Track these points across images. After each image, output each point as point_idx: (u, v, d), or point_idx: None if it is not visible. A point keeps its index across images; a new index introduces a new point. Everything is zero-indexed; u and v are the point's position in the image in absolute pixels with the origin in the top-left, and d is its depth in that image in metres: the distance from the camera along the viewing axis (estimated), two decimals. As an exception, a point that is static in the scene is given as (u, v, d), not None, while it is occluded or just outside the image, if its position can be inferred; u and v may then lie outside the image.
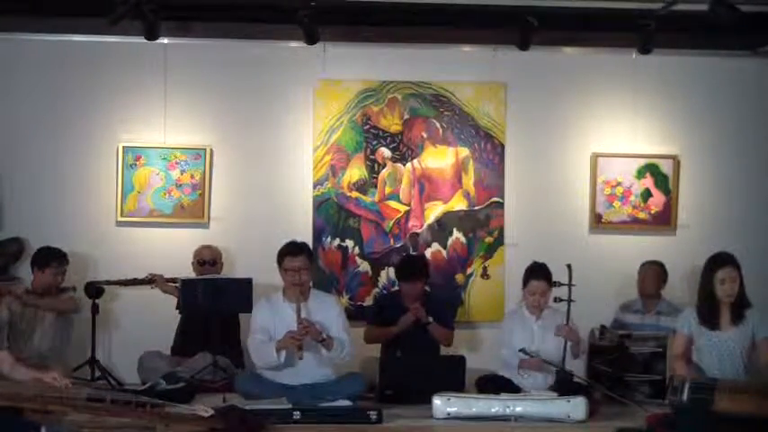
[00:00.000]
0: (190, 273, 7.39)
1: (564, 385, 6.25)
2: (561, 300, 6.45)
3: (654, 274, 7.41)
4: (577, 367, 6.76)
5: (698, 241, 7.63)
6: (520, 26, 7.31)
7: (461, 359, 6.76)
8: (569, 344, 6.44)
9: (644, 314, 7.33)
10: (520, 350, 6.44)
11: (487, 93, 7.86)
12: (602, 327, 7.30)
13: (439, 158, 7.85)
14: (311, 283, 6.60)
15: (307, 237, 7.47)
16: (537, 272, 6.63)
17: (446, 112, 7.85)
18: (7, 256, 7.50)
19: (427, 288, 7.19)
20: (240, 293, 6.95)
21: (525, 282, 6.67)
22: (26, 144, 7.70)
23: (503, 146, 7.85)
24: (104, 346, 7.56)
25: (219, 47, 7.84)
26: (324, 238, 7.76)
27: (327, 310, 6.43)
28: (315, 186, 7.77)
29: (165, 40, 7.62)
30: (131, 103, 7.75)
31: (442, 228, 7.83)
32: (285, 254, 6.40)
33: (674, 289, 7.59)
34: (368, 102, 7.83)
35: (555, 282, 6.49)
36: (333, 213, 7.78)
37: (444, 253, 7.81)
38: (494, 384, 6.40)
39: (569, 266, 6.41)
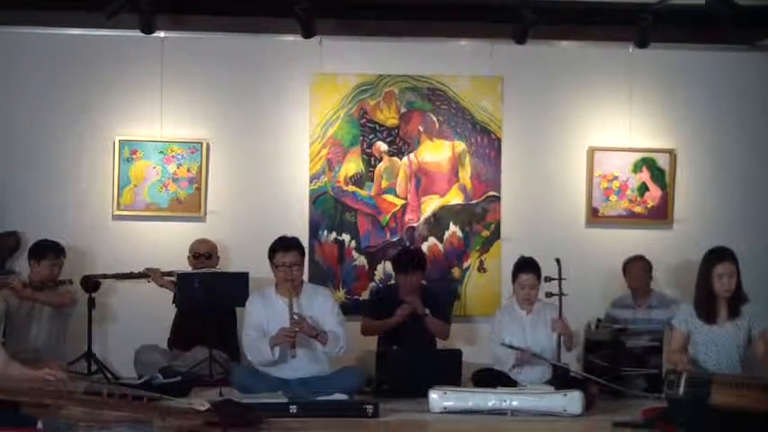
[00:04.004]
0: (186, 267, 7.39)
1: (560, 379, 6.26)
2: (553, 294, 6.45)
3: (640, 269, 7.37)
4: (573, 361, 6.77)
5: (694, 235, 7.62)
6: (517, 20, 7.30)
7: (458, 353, 6.77)
8: (563, 338, 6.44)
9: (635, 309, 7.31)
10: (501, 343, 6.43)
11: (484, 87, 7.85)
12: (598, 321, 7.31)
13: (435, 152, 7.84)
14: (305, 278, 6.58)
15: (303, 231, 7.47)
16: (525, 265, 6.63)
17: (443, 106, 7.84)
18: (4, 251, 7.50)
19: (424, 282, 7.20)
20: (236, 287, 6.93)
21: (514, 276, 6.66)
22: (22, 138, 7.68)
23: (499, 140, 7.85)
24: (101, 340, 7.55)
25: (216, 40, 7.83)
26: (320, 232, 7.75)
27: (321, 305, 6.37)
28: (311, 180, 7.77)
29: (162, 34, 7.61)
30: (128, 96, 7.74)
31: (438, 222, 7.82)
32: (276, 249, 6.31)
33: (670, 283, 7.59)
34: (364, 95, 7.82)
35: (546, 276, 6.49)
36: (329, 207, 7.78)
37: (441, 247, 7.81)
38: (490, 378, 6.40)
39: (558, 261, 6.42)
